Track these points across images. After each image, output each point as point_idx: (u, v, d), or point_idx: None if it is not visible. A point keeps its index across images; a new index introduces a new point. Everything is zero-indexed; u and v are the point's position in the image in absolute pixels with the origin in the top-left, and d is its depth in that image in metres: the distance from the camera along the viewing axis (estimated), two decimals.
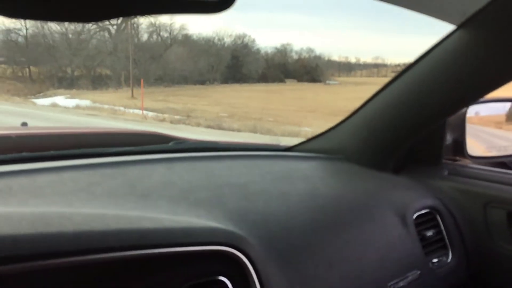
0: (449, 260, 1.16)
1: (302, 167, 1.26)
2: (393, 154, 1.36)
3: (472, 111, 1.39)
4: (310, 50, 39.07)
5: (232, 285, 0.72)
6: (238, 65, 36.53)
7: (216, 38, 38.81)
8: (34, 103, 21.03)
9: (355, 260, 0.95)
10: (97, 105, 20.34)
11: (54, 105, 19.71)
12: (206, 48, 38.05)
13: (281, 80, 35.99)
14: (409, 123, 1.27)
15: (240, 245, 0.74)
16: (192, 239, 0.70)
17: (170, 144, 1.34)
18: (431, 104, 1.21)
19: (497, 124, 1.52)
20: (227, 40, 39.26)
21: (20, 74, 33.90)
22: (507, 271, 1.19)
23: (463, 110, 1.32)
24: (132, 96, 25.48)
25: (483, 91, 1.16)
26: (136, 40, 35.37)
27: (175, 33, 37.42)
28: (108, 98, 23.96)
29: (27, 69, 34.39)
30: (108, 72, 34.32)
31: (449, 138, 1.36)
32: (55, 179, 0.89)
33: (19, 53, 33.85)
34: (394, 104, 1.27)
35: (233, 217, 0.86)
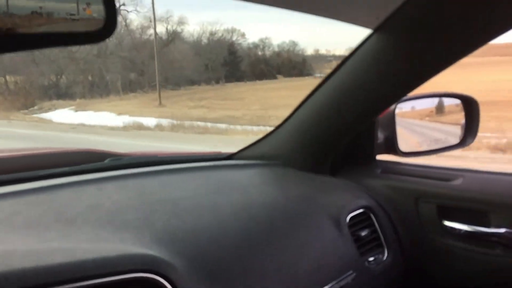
0: (385, 257, 1.20)
1: (239, 176, 1.27)
2: (328, 156, 1.39)
3: (407, 106, 1.44)
4: (294, 44, 37.17)
5: None
6: (237, 61, 33.72)
7: (207, 33, 34.87)
8: (35, 119, 17.67)
9: (289, 267, 0.96)
10: (137, 119, 16.02)
11: (61, 122, 16.23)
12: (204, 45, 34.37)
13: (274, 77, 33.60)
14: (340, 125, 1.30)
15: (161, 269, 0.74)
16: (107, 270, 0.68)
17: (106, 161, 1.31)
18: (358, 104, 1.24)
19: (429, 117, 1.58)
20: (218, 36, 35.27)
21: None
22: (441, 263, 1.23)
23: (392, 108, 1.36)
24: (160, 103, 21.35)
25: (406, 89, 1.21)
26: (129, 38, 30.80)
27: (173, 28, 32.95)
28: (131, 107, 20.04)
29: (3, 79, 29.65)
30: (111, 76, 29.13)
31: (381, 136, 1.40)
32: None
33: None
34: (324, 107, 1.30)
35: (160, 237, 0.86)
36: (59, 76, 28.88)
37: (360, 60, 1.18)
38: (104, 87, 27.99)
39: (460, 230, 1.19)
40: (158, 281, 0.72)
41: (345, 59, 1.21)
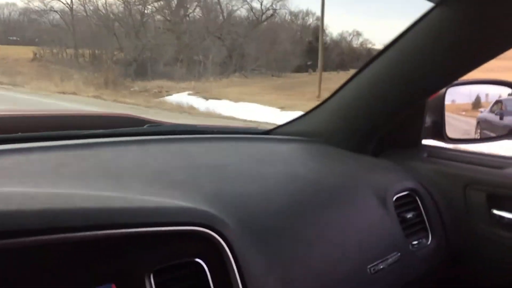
0: (429, 242, 1.16)
1: (281, 149, 1.24)
2: (372, 137, 1.35)
3: (453, 93, 1.39)
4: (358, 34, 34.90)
5: (208, 267, 0.69)
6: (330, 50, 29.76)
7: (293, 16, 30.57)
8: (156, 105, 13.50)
9: (335, 242, 0.94)
10: None
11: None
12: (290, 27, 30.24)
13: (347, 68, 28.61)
14: (389, 105, 1.26)
15: (216, 225, 0.71)
16: (164, 219, 0.67)
17: (145, 127, 1.30)
18: (410, 85, 1.20)
19: (465, 112, 1.52)
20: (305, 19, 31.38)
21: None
22: (486, 253, 1.19)
23: (442, 92, 1.31)
24: (319, 96, 15.82)
25: (463, 70, 1.15)
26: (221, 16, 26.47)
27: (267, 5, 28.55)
28: (280, 98, 15.40)
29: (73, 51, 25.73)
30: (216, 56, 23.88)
31: (428, 120, 1.35)
32: (22, 160, 0.84)
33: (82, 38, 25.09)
34: (373, 85, 1.25)
35: (209, 198, 0.83)
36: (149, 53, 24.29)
37: (418, 36, 1.12)
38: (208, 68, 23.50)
39: (509, 219, 1.14)
40: (213, 236, 0.70)
41: (401, 35, 1.15)
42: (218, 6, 27.31)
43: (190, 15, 27.64)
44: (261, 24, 28.20)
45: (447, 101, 1.36)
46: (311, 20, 32.32)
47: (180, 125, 1.41)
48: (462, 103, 1.49)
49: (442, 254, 1.18)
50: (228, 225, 0.75)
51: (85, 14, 27.14)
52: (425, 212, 1.18)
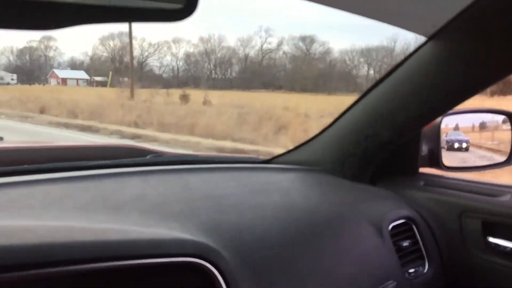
0: (425, 270, 1.17)
1: (279, 179, 1.26)
2: (369, 165, 1.37)
3: (452, 122, 1.42)
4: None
5: None
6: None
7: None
8: None
9: (330, 272, 0.95)
10: None
11: None
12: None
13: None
14: (385, 134, 1.29)
15: (211, 257, 0.74)
16: (159, 251, 0.69)
17: (147, 157, 1.33)
18: (406, 114, 1.23)
19: (471, 134, 1.54)
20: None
21: None
22: (482, 281, 1.19)
23: (437, 120, 1.34)
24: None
25: (456, 100, 1.19)
26: None
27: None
28: None
29: None
30: None
31: (424, 148, 1.38)
32: (26, 192, 0.87)
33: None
34: (370, 115, 1.28)
35: (206, 229, 0.86)
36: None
37: (411, 69, 1.16)
38: None
39: (505, 247, 1.15)
40: (208, 268, 0.72)
41: (395, 67, 1.20)
42: None
43: None
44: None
45: (451, 125, 1.39)
46: None
47: (181, 155, 1.44)
48: (466, 126, 1.51)
49: (439, 282, 1.19)
50: (223, 256, 0.77)
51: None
52: (421, 240, 1.19)
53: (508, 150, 1.42)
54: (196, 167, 1.24)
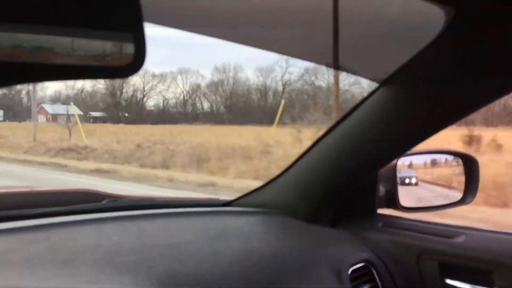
0: None
1: (239, 223, 1.25)
2: (329, 207, 1.37)
3: (407, 161, 1.45)
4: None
5: None
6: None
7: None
8: None
9: None
10: None
11: None
12: None
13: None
14: (343, 176, 1.30)
15: None
16: None
17: (103, 202, 1.29)
18: (361, 157, 1.25)
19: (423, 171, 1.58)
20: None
21: None
22: None
23: (394, 162, 1.37)
24: None
25: (410, 144, 1.22)
26: None
27: None
28: None
29: None
30: None
31: (382, 190, 1.40)
32: None
33: None
34: (328, 157, 1.30)
35: (161, 281, 0.83)
36: None
37: (366, 113, 1.19)
38: None
39: None
40: None
41: (351, 111, 1.22)
42: None
43: None
44: None
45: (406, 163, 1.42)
46: None
47: (139, 199, 1.40)
48: (420, 163, 1.55)
49: None
50: None
51: None
52: (381, 283, 1.19)
53: (462, 187, 1.47)
54: (154, 213, 1.21)
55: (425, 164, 1.56)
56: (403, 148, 1.25)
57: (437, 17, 0.96)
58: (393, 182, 1.39)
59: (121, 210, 1.21)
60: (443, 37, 0.97)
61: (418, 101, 1.10)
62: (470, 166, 1.46)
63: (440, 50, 1.00)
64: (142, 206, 1.28)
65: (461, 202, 1.45)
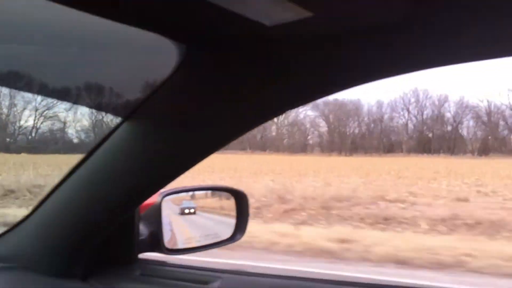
0: None
1: None
2: (78, 258, 1.18)
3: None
4: None
5: None
6: None
7: None
8: None
9: None
10: None
11: None
12: None
13: None
14: (90, 221, 1.12)
15: None
16: None
17: None
18: (109, 198, 1.09)
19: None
20: None
21: None
22: None
23: (158, 200, 1.25)
24: None
25: (165, 179, 1.10)
26: None
27: None
28: None
29: None
30: None
31: (145, 232, 1.26)
32: None
33: None
34: (71, 200, 1.11)
35: None
36: None
37: (111, 149, 1.05)
38: None
39: None
40: None
41: (95, 148, 1.06)
42: None
43: None
44: None
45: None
46: None
47: None
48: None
49: None
50: None
51: None
52: None
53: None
54: None
55: (206, 194, 1.52)
56: (157, 187, 1.13)
57: (174, 52, 0.90)
58: (157, 222, 1.26)
59: None
60: (178, 73, 0.90)
61: (159, 138, 0.99)
62: (240, 202, 1.42)
63: (176, 86, 0.92)
64: None
65: (231, 239, 1.40)
